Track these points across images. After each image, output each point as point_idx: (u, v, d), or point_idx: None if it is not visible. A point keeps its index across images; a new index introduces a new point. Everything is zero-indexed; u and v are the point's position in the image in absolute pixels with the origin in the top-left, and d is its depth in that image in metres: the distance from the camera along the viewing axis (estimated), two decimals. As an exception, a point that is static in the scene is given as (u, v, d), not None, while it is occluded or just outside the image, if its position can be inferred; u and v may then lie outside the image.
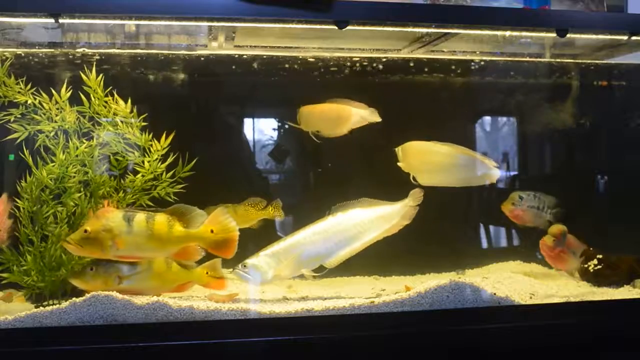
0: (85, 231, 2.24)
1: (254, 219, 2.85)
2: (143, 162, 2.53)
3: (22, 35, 2.70)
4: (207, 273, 2.48)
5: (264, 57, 3.06)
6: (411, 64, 3.21)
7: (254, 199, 2.86)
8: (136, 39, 2.90)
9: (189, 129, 2.79)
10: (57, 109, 2.46)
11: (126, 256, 2.31)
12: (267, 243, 2.50)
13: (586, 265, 2.91)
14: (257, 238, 2.79)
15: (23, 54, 2.81)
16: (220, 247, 2.37)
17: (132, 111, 2.52)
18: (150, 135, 2.53)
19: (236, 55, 3.05)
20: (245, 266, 2.39)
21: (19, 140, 2.43)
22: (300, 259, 2.46)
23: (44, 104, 2.45)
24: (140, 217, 2.29)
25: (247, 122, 3.30)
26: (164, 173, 2.54)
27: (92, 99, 2.48)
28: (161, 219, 2.31)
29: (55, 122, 2.45)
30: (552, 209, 3.09)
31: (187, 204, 2.40)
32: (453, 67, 3.28)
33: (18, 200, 2.42)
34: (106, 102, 2.50)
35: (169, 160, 2.55)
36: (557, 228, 2.93)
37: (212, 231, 2.35)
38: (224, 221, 2.38)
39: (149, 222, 2.29)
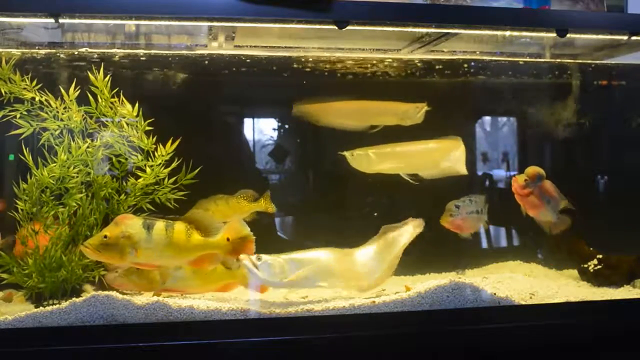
0: (105, 237, 2.25)
1: (247, 211, 2.87)
2: (145, 165, 2.53)
3: (22, 35, 2.70)
4: None
5: (263, 57, 3.06)
6: (409, 65, 3.22)
7: (245, 190, 2.88)
8: (136, 39, 2.89)
9: (186, 127, 2.77)
10: (64, 108, 2.45)
11: (144, 263, 2.32)
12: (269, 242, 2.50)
13: (586, 265, 2.91)
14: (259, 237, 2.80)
15: (24, 54, 2.81)
16: (237, 254, 2.37)
17: (138, 114, 2.51)
18: (154, 139, 2.53)
19: (235, 55, 3.05)
20: (259, 259, 2.34)
21: (23, 136, 2.42)
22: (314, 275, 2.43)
23: (51, 102, 2.45)
24: (159, 225, 2.30)
25: (244, 120, 3.30)
26: (166, 178, 2.54)
27: (99, 99, 2.48)
28: (180, 228, 2.32)
29: (62, 120, 2.45)
30: (484, 207, 2.98)
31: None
32: (452, 67, 3.27)
33: (19, 202, 2.41)
34: (112, 103, 2.50)
35: (173, 165, 2.54)
36: (532, 169, 2.83)
37: (228, 239, 2.36)
38: (239, 230, 2.38)
39: (168, 230, 2.30)
